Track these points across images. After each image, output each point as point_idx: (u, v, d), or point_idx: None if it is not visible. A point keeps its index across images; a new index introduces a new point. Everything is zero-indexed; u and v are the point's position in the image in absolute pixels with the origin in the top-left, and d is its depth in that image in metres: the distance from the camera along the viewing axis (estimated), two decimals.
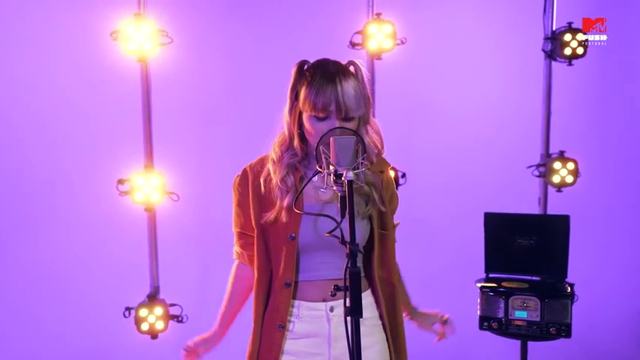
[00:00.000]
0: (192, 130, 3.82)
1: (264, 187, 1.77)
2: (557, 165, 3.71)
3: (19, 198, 3.66)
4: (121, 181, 3.36)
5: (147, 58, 3.36)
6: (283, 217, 1.73)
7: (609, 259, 4.17)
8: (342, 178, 1.46)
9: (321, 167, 1.56)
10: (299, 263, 1.76)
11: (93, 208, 3.63)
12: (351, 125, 1.67)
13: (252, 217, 1.80)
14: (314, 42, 3.57)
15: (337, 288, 1.48)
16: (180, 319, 3.48)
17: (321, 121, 1.66)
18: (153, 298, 3.46)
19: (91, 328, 3.68)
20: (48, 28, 3.56)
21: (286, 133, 1.77)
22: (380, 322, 1.86)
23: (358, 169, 1.51)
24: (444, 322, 2.04)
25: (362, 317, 1.43)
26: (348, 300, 1.42)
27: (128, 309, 3.40)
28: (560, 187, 3.73)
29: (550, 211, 3.79)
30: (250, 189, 1.80)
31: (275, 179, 1.74)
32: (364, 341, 1.49)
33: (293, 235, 1.72)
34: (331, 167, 1.50)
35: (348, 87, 1.65)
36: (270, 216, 1.74)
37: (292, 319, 1.77)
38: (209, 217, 3.83)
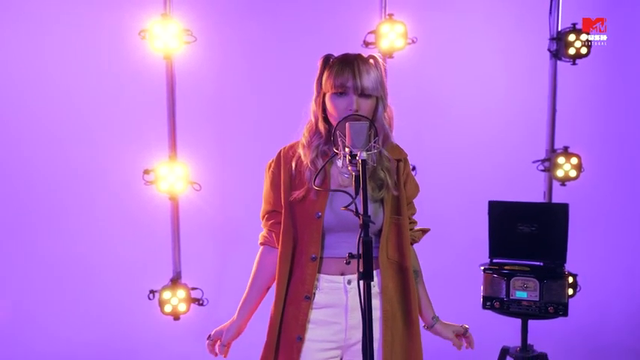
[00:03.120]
0: (214, 123, 3.99)
1: (295, 169, 1.94)
2: (561, 160, 3.83)
3: (52, 187, 3.85)
4: (146, 171, 3.51)
5: (172, 56, 3.52)
6: (312, 196, 1.89)
7: (612, 250, 4.30)
8: (357, 158, 1.63)
9: (337, 149, 1.74)
10: (324, 240, 1.90)
11: (120, 196, 3.81)
12: (368, 102, 1.84)
13: (282, 195, 1.93)
14: (329, 41, 3.69)
15: (351, 255, 1.65)
16: (201, 302, 3.63)
17: (340, 97, 1.83)
18: (175, 281, 3.62)
19: (117, 310, 3.87)
20: (81, 27, 3.77)
21: (312, 119, 1.94)
22: (378, 315, 1.91)
23: (371, 150, 1.68)
24: (465, 332, 2.07)
25: (372, 281, 1.60)
26: (360, 265, 1.60)
27: (152, 292, 3.57)
28: (564, 181, 3.86)
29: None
30: (283, 170, 1.96)
31: (305, 161, 1.91)
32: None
33: (319, 213, 1.86)
34: (347, 149, 1.68)
35: (365, 69, 1.83)
36: (300, 194, 1.90)
37: (314, 290, 1.91)
38: (229, 206, 3.98)
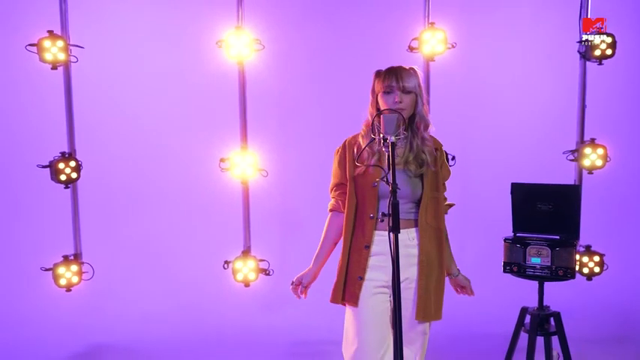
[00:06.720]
0: (279, 118, 4.54)
1: (356, 151, 2.52)
2: (587, 150, 4.14)
3: (149, 173, 4.50)
4: (222, 160, 4.04)
5: (244, 62, 4.04)
6: (370, 170, 2.47)
7: (634, 230, 4.63)
8: (387, 141, 2.18)
9: (374, 135, 2.31)
10: (378, 204, 2.45)
11: (201, 182, 4.40)
12: (408, 97, 2.42)
13: (347, 171, 2.52)
14: (379, 47, 4.23)
15: (383, 214, 2.21)
16: (267, 272, 4.13)
17: (388, 95, 2.42)
18: (246, 253, 4.14)
19: (198, 276, 4.47)
20: (169, 38, 4.40)
21: (369, 117, 2.53)
22: (416, 261, 2.47)
23: (399, 136, 2.23)
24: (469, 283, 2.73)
25: (399, 232, 2.13)
26: (391, 221, 2.14)
27: (227, 262, 4.08)
28: (590, 169, 4.18)
29: (583, 191, 4.21)
30: (347, 153, 2.55)
31: (363, 146, 2.49)
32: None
33: (375, 183, 2.44)
34: (381, 135, 2.22)
35: (405, 73, 2.42)
36: (361, 170, 2.48)
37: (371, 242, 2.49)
38: (292, 190, 4.52)
